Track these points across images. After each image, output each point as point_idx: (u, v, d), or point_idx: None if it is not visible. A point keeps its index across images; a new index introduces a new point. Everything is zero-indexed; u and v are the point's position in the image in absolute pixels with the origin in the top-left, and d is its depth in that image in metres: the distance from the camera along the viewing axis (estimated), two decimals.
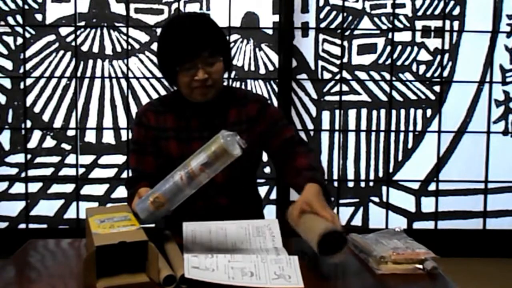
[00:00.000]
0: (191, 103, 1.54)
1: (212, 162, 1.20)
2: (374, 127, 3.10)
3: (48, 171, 3.03)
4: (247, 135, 1.50)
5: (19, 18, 2.97)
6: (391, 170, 3.12)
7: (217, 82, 1.51)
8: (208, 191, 1.39)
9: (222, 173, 1.27)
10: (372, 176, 3.12)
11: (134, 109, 3.02)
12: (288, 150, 1.55)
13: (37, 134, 3.01)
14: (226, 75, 1.60)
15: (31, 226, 3.04)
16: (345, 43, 3.05)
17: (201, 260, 1.17)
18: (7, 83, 3.00)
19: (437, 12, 3.06)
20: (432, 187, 3.13)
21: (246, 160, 1.51)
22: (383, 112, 3.09)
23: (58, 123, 3.02)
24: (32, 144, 3.01)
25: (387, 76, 3.07)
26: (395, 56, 3.07)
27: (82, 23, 2.98)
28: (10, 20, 2.97)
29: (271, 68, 3.03)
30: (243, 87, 2.99)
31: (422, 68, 3.08)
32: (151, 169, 1.55)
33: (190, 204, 1.33)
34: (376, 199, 3.12)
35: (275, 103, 3.00)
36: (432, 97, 3.09)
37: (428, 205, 3.13)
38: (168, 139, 1.56)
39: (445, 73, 3.09)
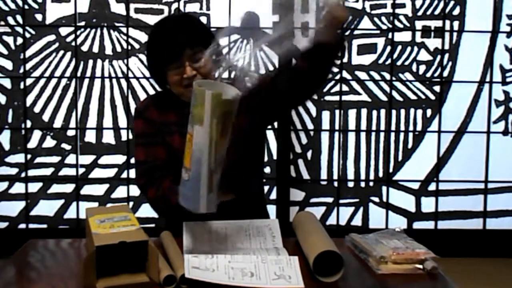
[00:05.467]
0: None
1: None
2: (374, 127, 3.10)
3: (48, 171, 3.03)
4: (248, 117, 1.49)
5: (19, 18, 2.97)
6: (391, 170, 3.11)
7: (207, 78, 1.50)
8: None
9: (226, 157, 1.26)
10: (372, 176, 3.12)
11: (134, 109, 3.01)
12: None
13: (37, 134, 3.01)
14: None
15: (31, 226, 3.04)
16: (345, 43, 3.05)
17: (201, 260, 1.17)
18: (7, 83, 3.00)
19: (437, 12, 3.06)
20: (432, 187, 3.13)
21: (249, 140, 1.51)
22: (383, 112, 3.09)
23: (58, 123, 3.02)
24: (32, 144, 3.01)
25: (387, 76, 3.07)
26: (395, 56, 3.06)
27: (82, 23, 2.98)
28: (10, 20, 2.97)
29: (271, 68, 3.03)
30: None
31: (422, 68, 3.08)
32: (162, 157, 1.54)
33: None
34: (376, 199, 3.12)
35: None
36: (432, 97, 3.09)
37: (428, 205, 3.13)
38: (172, 134, 1.56)
39: (445, 73, 3.09)
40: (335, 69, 3.05)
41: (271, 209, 3.02)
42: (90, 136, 3.03)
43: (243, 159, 1.55)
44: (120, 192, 3.05)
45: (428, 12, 3.06)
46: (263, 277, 1.14)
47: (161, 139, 1.56)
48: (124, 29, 2.99)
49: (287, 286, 1.13)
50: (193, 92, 1.19)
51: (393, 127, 3.10)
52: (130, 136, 3.02)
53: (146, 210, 2.98)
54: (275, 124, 3.01)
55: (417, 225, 3.13)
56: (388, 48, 3.06)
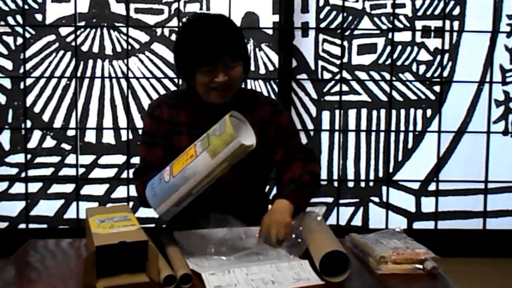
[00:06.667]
0: (205, 101, 1.54)
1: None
2: (374, 127, 3.09)
3: (48, 171, 3.03)
4: (259, 137, 1.51)
5: (19, 18, 2.96)
6: (391, 170, 3.11)
7: (235, 85, 1.52)
8: (216, 190, 1.39)
9: (231, 172, 1.28)
10: (372, 176, 3.12)
11: (134, 109, 3.02)
12: (289, 157, 1.58)
13: (37, 134, 3.01)
14: None
15: (31, 226, 3.04)
16: (345, 43, 3.05)
17: (220, 277, 1.17)
18: (7, 83, 3.00)
19: (437, 12, 3.05)
20: (432, 187, 3.13)
21: (257, 162, 1.52)
22: (383, 112, 3.09)
23: (58, 123, 3.02)
24: (32, 144, 3.01)
25: (387, 76, 3.07)
26: (395, 56, 3.06)
27: (82, 23, 2.98)
28: (10, 20, 2.97)
29: (271, 68, 3.03)
30: (242, 86, 2.99)
31: (422, 68, 3.08)
32: (159, 161, 1.54)
33: (196, 202, 1.33)
34: (376, 199, 3.12)
35: None
36: (432, 97, 3.09)
37: (428, 205, 3.13)
38: (180, 134, 1.56)
39: (445, 73, 3.09)
40: (335, 69, 3.06)
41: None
42: (90, 136, 3.03)
43: (248, 175, 1.56)
44: (120, 192, 3.05)
45: (428, 12, 3.05)
46: (284, 282, 1.16)
47: (163, 141, 1.56)
48: (124, 29, 2.99)
49: (309, 284, 1.15)
50: (223, 125, 1.19)
51: (393, 127, 3.10)
52: (130, 136, 3.02)
53: (146, 210, 2.97)
54: None
55: (417, 225, 3.13)
56: (388, 48, 3.06)
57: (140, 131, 3.01)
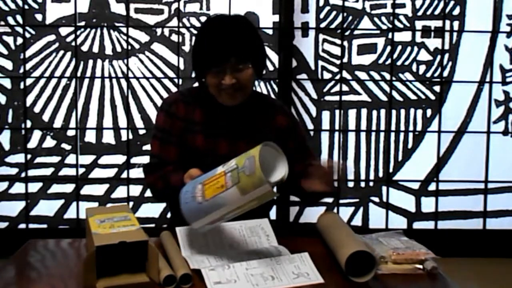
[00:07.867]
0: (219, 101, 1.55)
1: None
2: (374, 127, 3.09)
3: (48, 171, 3.03)
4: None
5: (19, 18, 2.96)
6: (391, 170, 3.11)
7: (246, 87, 1.52)
8: None
9: None
10: (372, 176, 3.12)
11: (134, 109, 3.02)
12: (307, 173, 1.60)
13: (37, 134, 3.01)
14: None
15: (31, 226, 3.04)
16: (345, 43, 3.05)
17: (219, 273, 1.17)
18: (7, 83, 3.00)
19: (437, 12, 3.06)
20: (432, 187, 3.13)
21: None
22: (383, 112, 3.09)
23: (58, 123, 3.02)
24: (32, 144, 3.01)
25: (387, 76, 3.07)
26: (395, 56, 3.06)
27: (82, 23, 2.98)
28: (10, 20, 2.97)
29: (271, 68, 3.03)
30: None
31: (422, 68, 3.08)
32: (173, 158, 1.56)
33: None
34: (376, 199, 3.12)
35: None
36: (432, 97, 3.09)
37: (428, 205, 3.13)
38: (195, 133, 1.56)
39: (445, 73, 3.09)
40: (335, 69, 3.06)
41: (271, 209, 3.01)
42: (90, 136, 3.03)
43: None
44: (120, 192, 3.05)
45: (428, 12, 3.06)
46: (283, 278, 1.16)
47: (177, 139, 1.56)
48: (124, 29, 2.99)
49: (308, 283, 1.14)
50: (252, 165, 1.16)
51: (393, 127, 3.10)
52: (130, 136, 3.02)
53: (146, 210, 2.98)
54: None
55: (417, 225, 3.13)
56: (388, 48, 3.06)
57: (140, 131, 3.01)
